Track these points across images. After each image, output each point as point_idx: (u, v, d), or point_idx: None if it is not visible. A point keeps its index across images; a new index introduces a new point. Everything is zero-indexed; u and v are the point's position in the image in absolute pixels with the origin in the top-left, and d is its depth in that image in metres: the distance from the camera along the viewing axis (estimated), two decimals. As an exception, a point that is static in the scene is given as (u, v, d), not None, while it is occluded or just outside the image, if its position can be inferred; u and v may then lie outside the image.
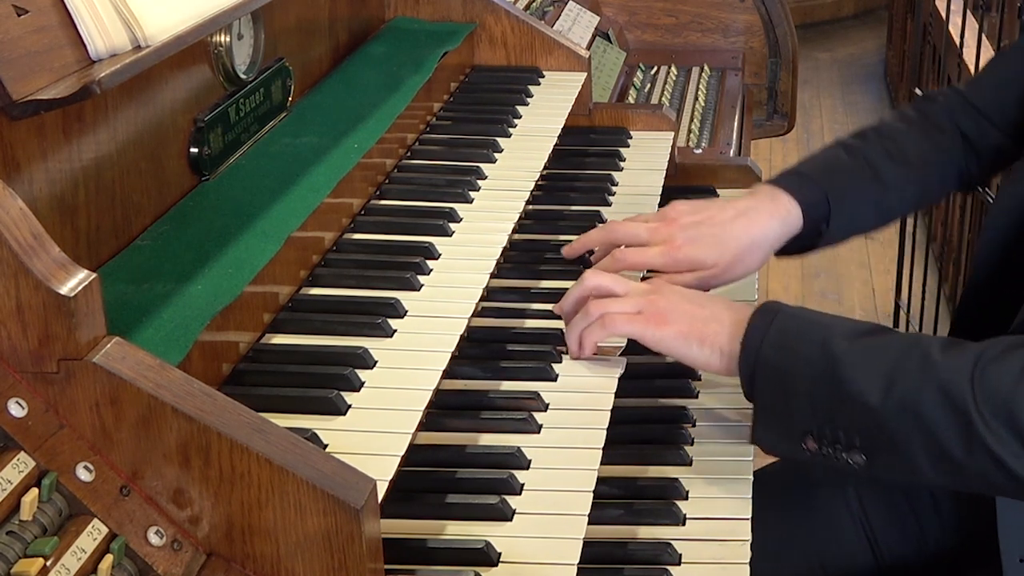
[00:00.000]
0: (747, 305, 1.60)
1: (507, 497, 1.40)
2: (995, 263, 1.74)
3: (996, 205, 1.77)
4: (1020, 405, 1.36)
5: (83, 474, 1.12)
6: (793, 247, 1.87)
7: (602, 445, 1.49)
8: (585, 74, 2.42)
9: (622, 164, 2.28)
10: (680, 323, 1.59)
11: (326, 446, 1.31)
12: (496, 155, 2.06)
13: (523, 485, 1.43)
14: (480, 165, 2.01)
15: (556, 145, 2.16)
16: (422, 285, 1.66)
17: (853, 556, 1.84)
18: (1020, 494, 1.44)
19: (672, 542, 1.49)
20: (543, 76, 2.41)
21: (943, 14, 5.21)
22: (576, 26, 3.25)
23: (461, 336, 1.56)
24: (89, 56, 1.37)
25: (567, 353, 1.66)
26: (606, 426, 1.53)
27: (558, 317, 1.75)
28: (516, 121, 2.21)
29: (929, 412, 1.40)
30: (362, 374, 1.45)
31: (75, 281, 1.12)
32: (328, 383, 1.42)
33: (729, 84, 3.55)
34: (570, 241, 1.98)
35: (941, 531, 1.84)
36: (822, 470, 1.86)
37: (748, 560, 1.47)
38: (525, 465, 1.46)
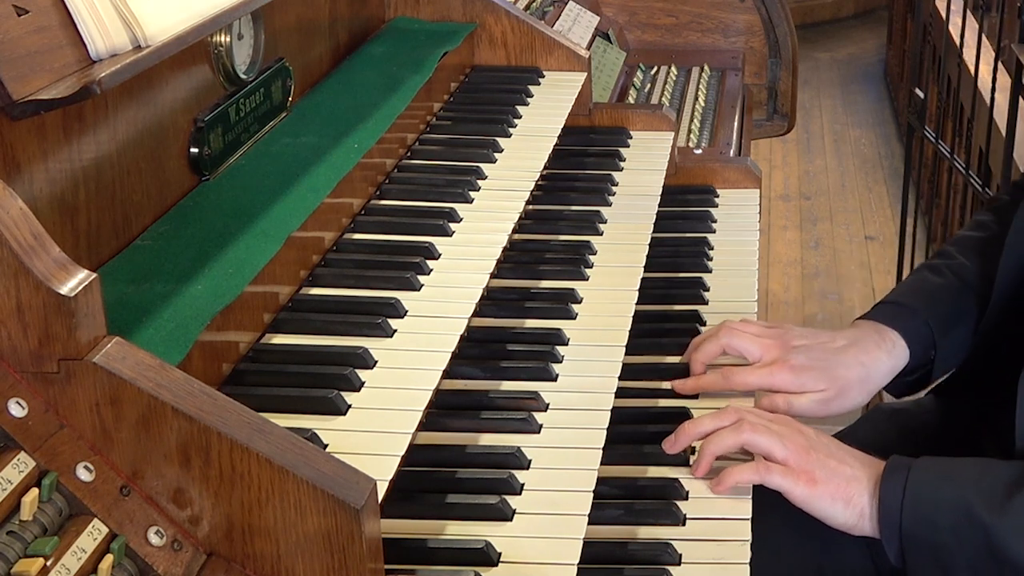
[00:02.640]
0: (878, 461, 1.59)
1: (507, 497, 1.40)
2: (1013, 291, 1.73)
3: (1013, 235, 1.75)
4: None
5: (83, 474, 1.12)
6: (908, 382, 1.85)
7: (602, 445, 1.49)
8: (585, 74, 2.42)
9: (622, 164, 2.28)
10: (828, 483, 1.57)
11: (326, 446, 1.31)
12: (496, 155, 2.06)
13: (523, 485, 1.43)
14: (480, 165, 2.01)
15: (556, 145, 2.16)
16: (422, 285, 1.66)
17: (852, 563, 1.84)
18: None
19: (672, 542, 1.49)
20: (543, 76, 2.41)
21: (943, 14, 5.21)
22: (576, 26, 3.25)
23: (461, 336, 1.56)
24: (89, 56, 1.37)
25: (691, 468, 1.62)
26: (606, 426, 1.53)
27: (558, 317, 1.75)
28: (516, 121, 2.21)
29: None
30: (362, 374, 1.45)
31: (75, 281, 1.12)
32: (328, 383, 1.42)
33: (729, 84, 3.55)
34: (570, 241, 1.98)
35: None
36: None
37: (748, 560, 1.47)
38: (525, 465, 1.46)
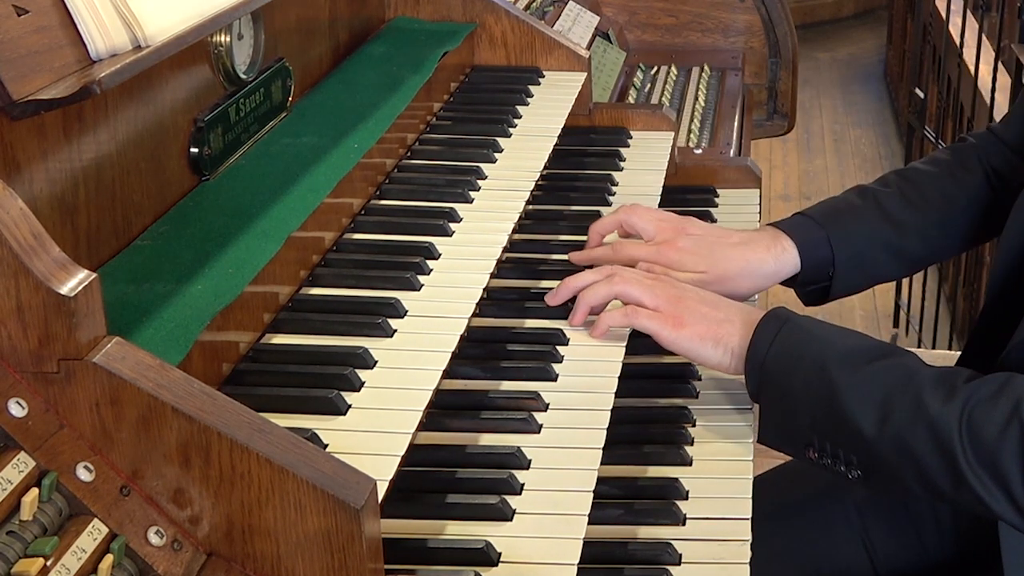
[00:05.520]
0: (760, 310, 1.66)
1: (507, 497, 1.40)
2: (1005, 285, 1.75)
3: (1006, 231, 1.77)
4: (1003, 456, 1.41)
5: (83, 474, 1.12)
6: (815, 294, 1.92)
7: (602, 445, 1.49)
8: (585, 74, 2.42)
9: (622, 164, 2.28)
10: (696, 325, 1.65)
11: (326, 446, 1.31)
12: (496, 155, 2.06)
13: (523, 485, 1.43)
14: (480, 165, 2.01)
15: (556, 145, 2.16)
16: (422, 285, 1.66)
17: (849, 566, 1.84)
18: (1007, 522, 1.47)
19: (672, 542, 1.49)
20: (543, 76, 2.41)
21: (943, 14, 5.21)
22: (576, 26, 3.25)
23: (461, 336, 1.56)
24: (89, 56, 1.37)
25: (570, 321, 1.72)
26: (606, 426, 1.53)
27: (557, 317, 1.75)
28: (516, 121, 2.21)
29: (919, 449, 1.46)
30: (362, 374, 1.45)
31: (75, 281, 1.12)
32: (328, 383, 1.42)
33: (729, 84, 3.55)
34: (570, 241, 1.98)
35: (940, 543, 1.84)
36: (822, 480, 1.87)
37: (748, 560, 1.47)
38: (525, 465, 1.46)
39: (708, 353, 1.65)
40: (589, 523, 1.37)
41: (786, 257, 1.86)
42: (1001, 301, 1.74)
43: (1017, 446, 1.39)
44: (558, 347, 1.68)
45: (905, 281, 4.78)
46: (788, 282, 1.91)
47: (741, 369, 1.63)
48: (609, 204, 2.12)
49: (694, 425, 1.72)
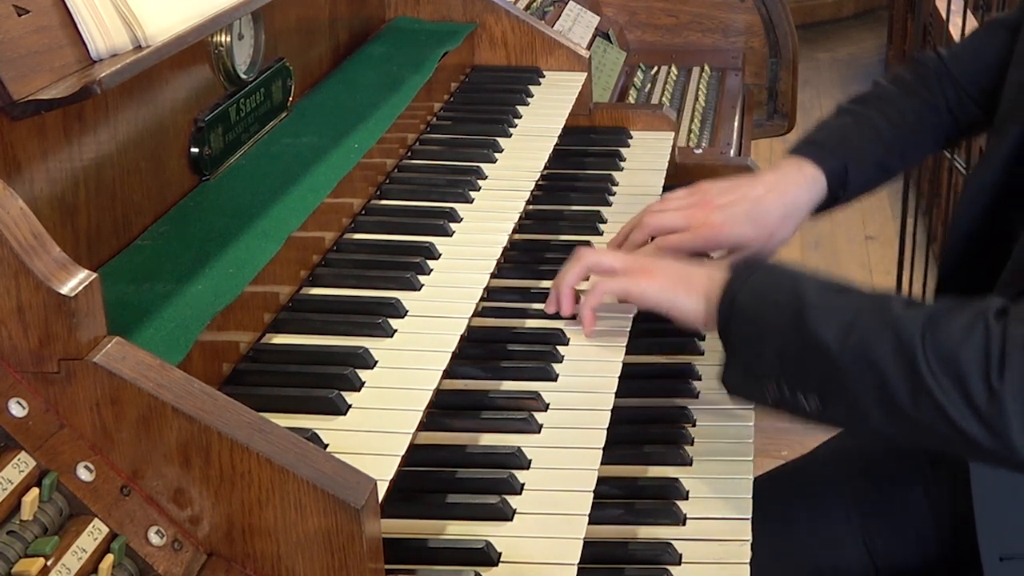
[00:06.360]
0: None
1: (507, 497, 1.40)
2: (968, 240, 1.77)
3: (958, 213, 1.80)
4: (965, 358, 1.38)
5: (84, 474, 1.12)
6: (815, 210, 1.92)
7: (602, 445, 1.49)
8: (585, 74, 2.42)
9: (622, 164, 2.28)
10: (668, 276, 1.63)
11: (326, 446, 1.31)
12: (496, 155, 2.06)
13: (523, 485, 1.43)
14: (480, 165, 2.01)
15: (556, 145, 2.16)
16: (422, 285, 1.66)
17: (849, 566, 1.84)
18: (963, 448, 1.44)
19: (672, 542, 1.49)
20: (543, 76, 2.41)
21: (943, 14, 5.21)
22: (576, 26, 3.25)
23: (461, 336, 1.56)
24: (89, 56, 1.37)
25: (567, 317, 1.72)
26: (606, 426, 1.53)
27: (557, 317, 1.75)
28: (516, 121, 2.21)
29: (880, 359, 1.42)
30: (362, 374, 1.45)
31: (75, 281, 1.12)
32: (328, 383, 1.42)
33: (729, 84, 3.55)
34: (571, 241, 1.98)
35: (939, 541, 1.84)
36: (823, 480, 1.87)
37: (748, 560, 1.47)
38: (525, 465, 1.46)
39: (681, 300, 1.61)
40: (589, 523, 1.37)
41: (817, 187, 1.86)
42: (954, 283, 1.75)
43: (979, 347, 1.37)
44: (558, 347, 1.68)
45: (905, 280, 4.78)
46: None
47: (712, 315, 1.56)
48: (609, 204, 2.12)
49: (694, 425, 1.72)
